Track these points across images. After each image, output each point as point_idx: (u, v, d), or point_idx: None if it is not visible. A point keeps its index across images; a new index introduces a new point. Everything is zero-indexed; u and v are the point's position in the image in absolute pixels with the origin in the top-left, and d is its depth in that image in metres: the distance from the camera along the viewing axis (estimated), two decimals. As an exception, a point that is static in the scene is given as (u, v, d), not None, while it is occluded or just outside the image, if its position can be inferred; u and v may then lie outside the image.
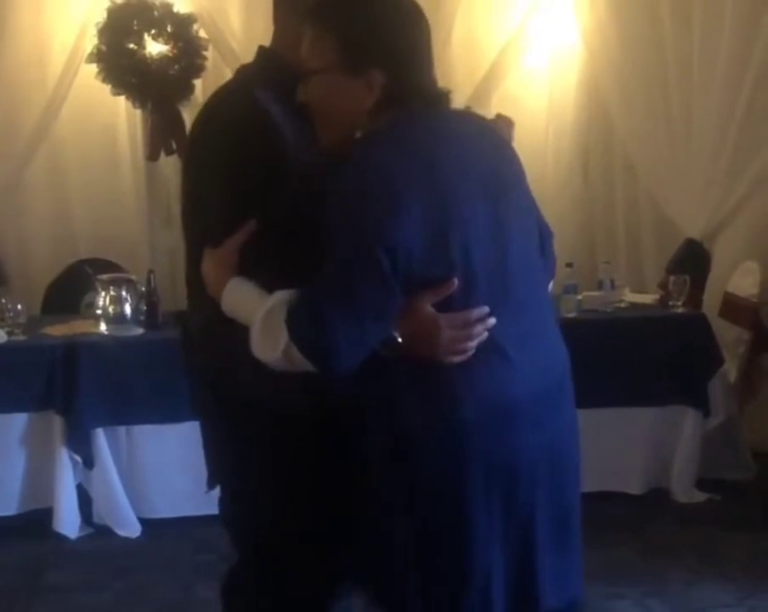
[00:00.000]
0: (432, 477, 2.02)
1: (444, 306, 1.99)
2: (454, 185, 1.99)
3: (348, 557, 2.25)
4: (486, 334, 2.02)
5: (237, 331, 2.07)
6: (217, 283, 2.10)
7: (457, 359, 2.00)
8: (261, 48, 2.40)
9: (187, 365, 2.42)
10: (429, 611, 2.07)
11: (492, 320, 2.02)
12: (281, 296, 1.98)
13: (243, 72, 2.37)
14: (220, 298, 2.09)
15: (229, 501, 2.40)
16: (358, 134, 2.08)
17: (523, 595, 2.13)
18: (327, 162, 2.09)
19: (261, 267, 2.08)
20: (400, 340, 1.99)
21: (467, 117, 2.20)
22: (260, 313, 1.98)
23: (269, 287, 2.04)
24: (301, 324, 1.93)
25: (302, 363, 1.95)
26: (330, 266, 1.93)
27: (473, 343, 2.00)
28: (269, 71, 2.26)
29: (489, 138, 2.18)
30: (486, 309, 2.02)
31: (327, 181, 2.01)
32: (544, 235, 2.31)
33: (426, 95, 2.08)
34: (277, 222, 2.07)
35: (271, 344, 1.96)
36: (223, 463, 2.37)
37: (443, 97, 2.11)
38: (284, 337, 1.93)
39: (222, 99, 2.27)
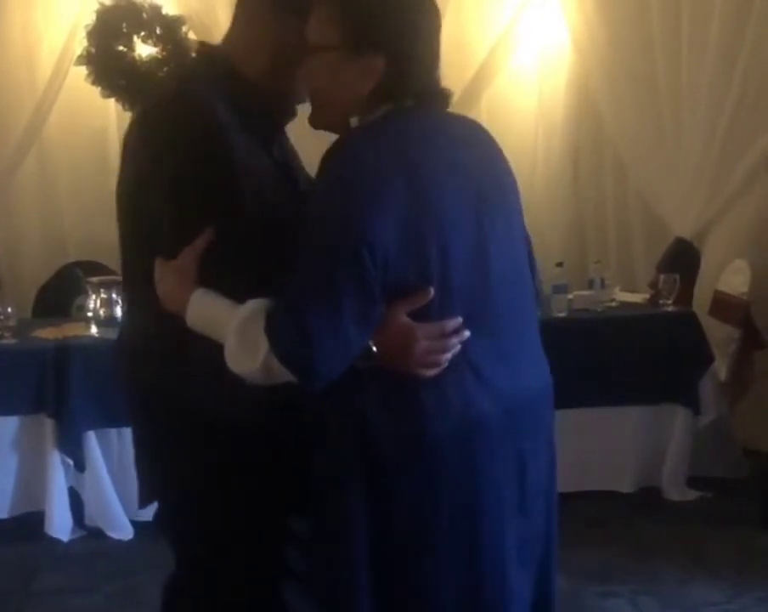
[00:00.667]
0: (401, 490, 1.93)
1: (419, 317, 1.90)
2: (440, 190, 1.91)
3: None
4: (459, 347, 1.93)
5: (189, 343, 2.00)
6: (179, 295, 1.98)
7: (431, 372, 1.91)
8: (206, 46, 2.30)
9: (122, 374, 2.29)
10: None
11: (466, 333, 1.93)
12: (256, 304, 1.89)
13: (186, 74, 2.28)
14: (183, 310, 1.97)
15: (170, 512, 2.29)
16: (353, 120, 2.02)
17: None
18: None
19: (222, 276, 1.98)
20: (375, 349, 1.90)
21: (464, 122, 2.13)
22: (234, 323, 1.88)
23: (233, 297, 1.94)
24: (282, 332, 1.82)
25: (282, 374, 1.85)
26: (309, 268, 1.85)
27: (447, 356, 1.92)
28: (222, 79, 2.15)
29: (485, 146, 2.11)
30: (460, 321, 1.92)
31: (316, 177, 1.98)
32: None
33: (425, 91, 2.02)
34: (233, 231, 1.98)
35: (249, 356, 1.85)
36: (166, 474, 2.23)
37: (442, 96, 2.06)
38: (263, 347, 1.83)
39: (164, 102, 2.14)
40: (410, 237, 1.85)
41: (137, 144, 2.14)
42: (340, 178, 1.88)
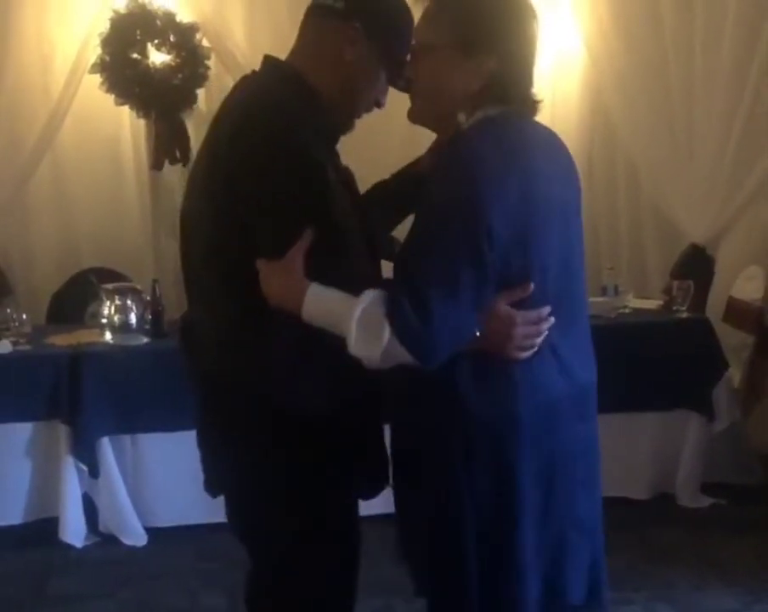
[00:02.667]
0: (489, 464, 2.08)
1: (517, 303, 2.06)
2: (543, 191, 2.05)
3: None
4: (546, 332, 2.10)
5: (269, 337, 2.13)
6: (291, 292, 2.06)
7: (524, 355, 2.08)
8: (274, 60, 2.32)
9: (194, 371, 2.37)
10: (483, 595, 2.13)
11: (552, 320, 2.10)
12: (373, 292, 2.00)
13: (267, 90, 2.24)
14: (296, 305, 2.05)
15: (248, 509, 2.35)
16: (461, 116, 2.12)
17: (553, 588, 2.19)
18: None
19: (323, 273, 2.07)
20: (478, 333, 2.03)
21: (547, 129, 2.25)
22: (356, 312, 1.98)
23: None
24: (405, 315, 1.94)
25: (401, 356, 1.97)
26: (430, 253, 1.97)
27: (539, 340, 2.09)
28: (296, 95, 2.21)
29: (564, 152, 2.25)
30: (548, 309, 2.08)
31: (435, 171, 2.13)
32: None
33: (526, 96, 2.14)
34: (325, 242, 2.07)
35: (373, 341, 1.96)
36: (239, 471, 2.31)
37: (537, 103, 2.17)
38: (386, 331, 1.95)
39: (256, 121, 2.13)
40: (518, 230, 1.99)
41: (229, 161, 2.13)
42: (464, 171, 2.00)
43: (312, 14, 2.29)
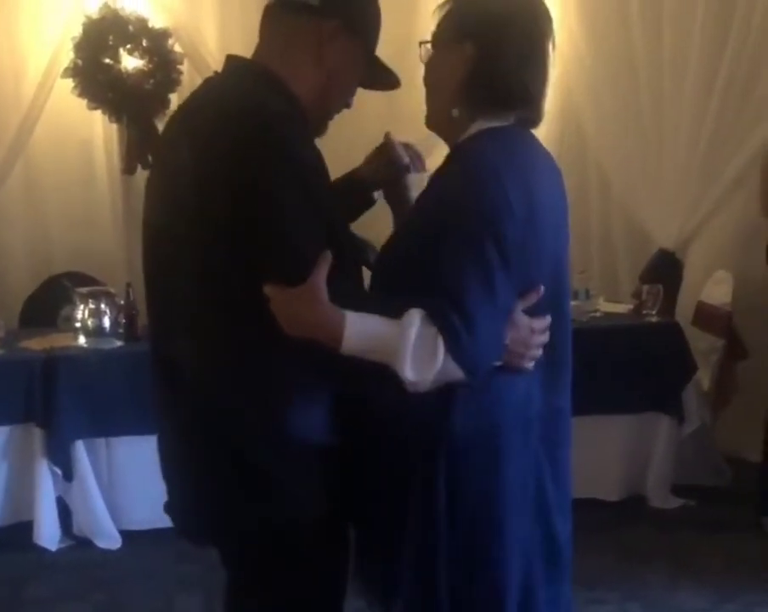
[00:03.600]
0: (472, 478, 2.05)
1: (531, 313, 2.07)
2: (543, 202, 2.06)
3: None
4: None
5: (272, 371, 2.00)
6: (328, 323, 1.91)
7: (531, 364, 2.07)
8: (241, 59, 2.16)
9: (181, 402, 2.14)
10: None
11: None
12: (417, 312, 1.91)
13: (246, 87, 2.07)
14: (335, 338, 1.91)
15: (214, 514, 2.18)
16: (454, 112, 2.11)
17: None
18: None
19: (337, 294, 1.92)
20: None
21: (547, 154, 2.24)
22: (410, 334, 1.89)
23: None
24: (456, 330, 1.89)
25: (451, 373, 1.92)
26: (460, 267, 1.93)
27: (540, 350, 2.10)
28: (288, 107, 2.06)
29: (558, 173, 2.25)
30: (549, 319, 2.10)
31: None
32: None
33: (515, 86, 2.11)
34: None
35: (429, 361, 1.90)
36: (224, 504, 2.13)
37: (539, 114, 2.17)
38: (441, 350, 1.89)
39: (248, 130, 1.93)
40: (523, 241, 1.98)
41: (213, 172, 1.93)
42: (480, 185, 1.98)
43: (280, 10, 2.13)
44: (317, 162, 2.03)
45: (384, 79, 2.27)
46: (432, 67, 2.18)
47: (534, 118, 2.18)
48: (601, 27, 5.82)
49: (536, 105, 2.16)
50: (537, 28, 2.16)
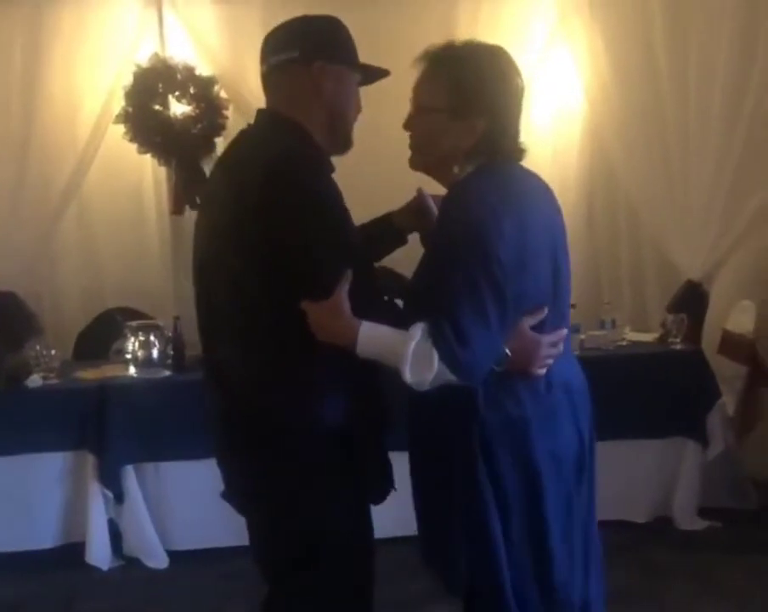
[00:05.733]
0: (505, 458, 2.35)
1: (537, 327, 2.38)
2: (535, 227, 2.31)
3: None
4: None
5: (305, 368, 2.35)
6: (347, 330, 2.26)
7: (543, 371, 2.38)
8: (275, 115, 2.50)
9: (223, 405, 2.49)
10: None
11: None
12: (418, 326, 2.22)
13: (282, 147, 2.38)
14: (351, 344, 2.26)
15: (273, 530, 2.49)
16: (455, 169, 2.40)
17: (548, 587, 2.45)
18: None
19: (359, 306, 2.28)
20: (509, 353, 2.32)
21: (532, 172, 2.50)
22: (410, 345, 2.20)
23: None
24: (450, 344, 2.18)
25: (447, 377, 2.22)
26: (455, 286, 2.21)
27: (554, 359, 2.40)
28: (314, 152, 2.44)
29: (548, 192, 2.51)
30: (565, 331, 2.44)
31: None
32: None
33: (514, 146, 2.42)
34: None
35: (426, 367, 2.20)
36: (273, 494, 2.44)
37: (522, 152, 2.44)
38: (435, 358, 2.19)
39: (279, 177, 2.30)
40: (518, 259, 2.25)
41: (263, 214, 2.28)
42: (471, 214, 2.26)
43: (274, 74, 2.49)
44: (333, 192, 2.35)
45: (376, 74, 2.58)
46: (432, 132, 2.41)
47: (519, 156, 2.44)
48: (630, 74, 5.93)
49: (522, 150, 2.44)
50: (521, 81, 2.43)
